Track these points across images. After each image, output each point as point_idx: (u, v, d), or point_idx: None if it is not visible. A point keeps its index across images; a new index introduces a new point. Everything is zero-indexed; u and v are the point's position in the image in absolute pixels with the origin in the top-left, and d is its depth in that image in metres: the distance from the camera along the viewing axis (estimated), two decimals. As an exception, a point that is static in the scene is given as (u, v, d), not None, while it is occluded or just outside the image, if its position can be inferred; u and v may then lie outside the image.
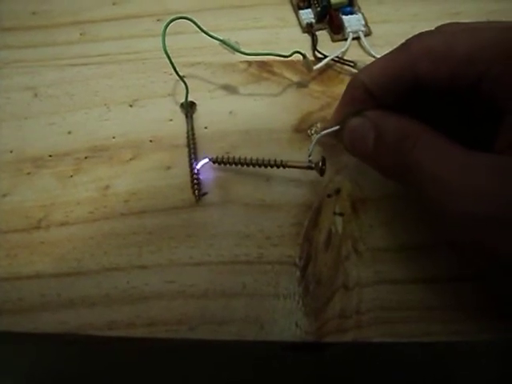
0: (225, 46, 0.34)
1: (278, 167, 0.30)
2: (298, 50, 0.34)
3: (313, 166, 0.29)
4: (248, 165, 0.30)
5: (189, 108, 0.34)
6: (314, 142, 0.29)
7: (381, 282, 0.28)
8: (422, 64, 0.24)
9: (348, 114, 0.27)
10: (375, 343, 0.27)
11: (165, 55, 0.31)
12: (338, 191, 0.30)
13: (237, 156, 0.30)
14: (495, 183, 0.21)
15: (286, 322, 0.27)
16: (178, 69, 0.32)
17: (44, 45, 0.38)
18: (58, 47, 0.38)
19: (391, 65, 0.25)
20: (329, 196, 0.30)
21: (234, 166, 0.31)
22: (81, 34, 0.38)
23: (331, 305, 0.27)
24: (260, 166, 0.30)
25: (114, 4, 0.40)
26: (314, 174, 0.30)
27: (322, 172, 0.29)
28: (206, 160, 0.31)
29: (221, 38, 0.34)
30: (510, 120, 0.22)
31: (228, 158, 0.31)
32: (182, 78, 0.33)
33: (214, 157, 0.31)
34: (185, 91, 0.33)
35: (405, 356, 0.34)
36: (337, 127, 0.28)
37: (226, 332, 0.27)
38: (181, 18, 0.31)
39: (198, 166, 0.31)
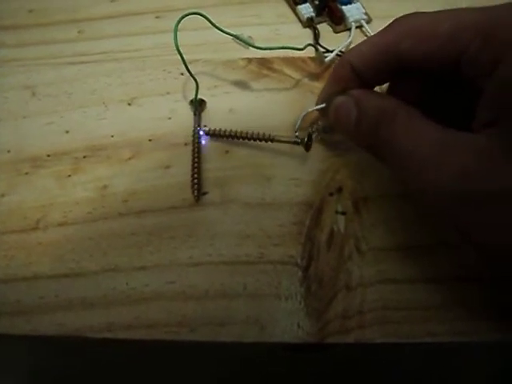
0: (238, 41, 0.34)
1: (266, 141, 0.31)
2: (310, 42, 0.35)
3: (299, 141, 0.30)
4: (238, 138, 0.31)
5: (197, 106, 0.33)
6: (300, 118, 0.31)
7: (383, 282, 0.27)
8: (405, 42, 0.25)
9: (334, 92, 0.28)
10: (378, 344, 0.26)
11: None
12: (339, 190, 0.30)
13: (228, 129, 0.32)
14: (468, 161, 0.21)
15: (288, 323, 0.27)
16: (178, 66, 0.32)
17: (42, 43, 0.37)
18: (56, 45, 0.37)
19: (377, 44, 0.26)
20: (330, 195, 0.30)
21: (225, 138, 0.32)
22: (79, 32, 0.38)
23: (333, 305, 0.27)
24: (250, 139, 0.31)
25: (112, 1, 0.40)
26: (315, 173, 0.29)
27: (307, 147, 0.30)
28: (201, 132, 0.32)
29: (234, 33, 0.33)
30: (486, 99, 0.22)
31: (220, 131, 0.32)
32: (192, 75, 0.32)
33: (207, 129, 0.32)
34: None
35: (406, 353, 0.34)
36: (323, 105, 0.29)
37: (226, 333, 0.26)
38: (193, 13, 0.31)
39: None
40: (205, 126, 0.33)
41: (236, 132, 0.31)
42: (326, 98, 0.29)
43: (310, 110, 0.30)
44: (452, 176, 0.21)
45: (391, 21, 0.26)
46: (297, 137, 0.30)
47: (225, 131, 0.32)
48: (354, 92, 0.26)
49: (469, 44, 0.22)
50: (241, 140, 0.31)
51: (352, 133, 0.26)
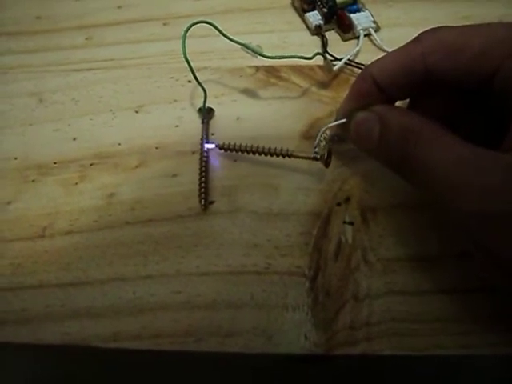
0: (246, 49, 0.34)
1: (283, 157, 0.30)
2: (318, 51, 0.34)
3: (318, 157, 0.29)
4: (254, 152, 0.31)
5: (206, 114, 0.33)
6: (320, 134, 0.30)
7: (391, 294, 0.27)
8: (434, 57, 0.24)
9: (355, 107, 0.27)
10: (385, 356, 0.26)
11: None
12: (347, 200, 0.30)
13: (243, 143, 0.31)
14: (498, 181, 0.21)
15: (295, 333, 0.26)
16: (186, 74, 0.32)
17: (48, 50, 0.38)
18: (63, 52, 0.37)
19: (402, 57, 0.25)
20: (338, 205, 0.30)
21: (240, 153, 0.31)
22: (86, 39, 0.38)
23: (341, 316, 0.27)
24: (266, 154, 0.30)
25: (118, 8, 0.40)
26: (323, 182, 0.29)
27: (327, 164, 0.30)
28: (213, 146, 0.31)
29: (242, 41, 0.33)
30: None
31: (234, 145, 0.31)
32: (200, 83, 0.32)
33: (221, 143, 0.31)
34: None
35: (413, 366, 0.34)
36: (343, 120, 0.28)
37: (233, 344, 0.26)
38: (202, 22, 0.31)
39: (206, 148, 0.32)
40: (212, 133, 0.33)
41: (252, 147, 0.30)
42: (347, 112, 0.28)
43: (329, 125, 0.29)
44: (481, 196, 0.21)
45: (400, 29, 0.26)
46: (316, 153, 0.29)
47: (240, 146, 0.31)
48: (376, 108, 0.25)
49: (502, 61, 0.22)
50: (256, 155, 0.31)
51: (374, 149, 0.26)
